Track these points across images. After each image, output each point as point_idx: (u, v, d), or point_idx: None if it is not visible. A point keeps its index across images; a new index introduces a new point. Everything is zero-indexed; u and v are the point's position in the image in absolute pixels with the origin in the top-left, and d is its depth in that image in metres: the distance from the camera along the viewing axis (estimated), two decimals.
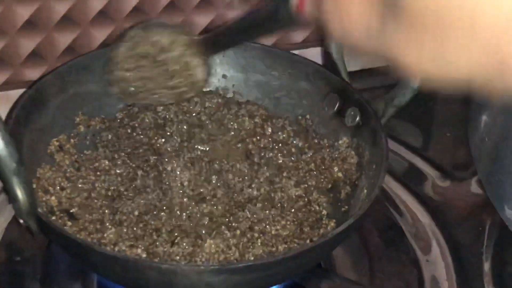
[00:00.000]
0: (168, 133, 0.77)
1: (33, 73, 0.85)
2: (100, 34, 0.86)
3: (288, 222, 0.69)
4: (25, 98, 0.70)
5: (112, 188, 0.71)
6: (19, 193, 0.58)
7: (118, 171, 0.73)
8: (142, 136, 0.76)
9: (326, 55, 0.80)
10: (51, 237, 0.65)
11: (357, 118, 0.75)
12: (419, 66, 0.40)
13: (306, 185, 0.74)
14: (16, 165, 0.58)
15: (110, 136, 0.76)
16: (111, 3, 0.84)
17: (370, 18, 0.42)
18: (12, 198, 0.59)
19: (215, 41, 0.70)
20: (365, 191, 0.70)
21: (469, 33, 0.36)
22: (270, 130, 0.79)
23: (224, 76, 0.82)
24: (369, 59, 0.76)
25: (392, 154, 0.87)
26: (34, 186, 0.68)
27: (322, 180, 0.74)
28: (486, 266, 0.76)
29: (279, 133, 0.78)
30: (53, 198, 0.69)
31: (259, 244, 0.66)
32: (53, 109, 0.73)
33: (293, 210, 0.71)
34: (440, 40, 0.37)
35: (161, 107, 0.78)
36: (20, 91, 0.75)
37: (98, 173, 0.72)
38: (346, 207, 0.72)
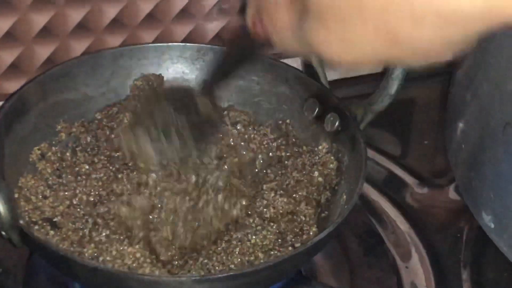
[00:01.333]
0: None
1: (12, 86, 0.84)
2: (79, 46, 0.86)
3: (269, 233, 0.68)
4: (6, 108, 0.70)
5: (93, 193, 0.70)
6: (1, 206, 0.58)
7: (98, 175, 0.72)
8: None
9: (306, 63, 0.81)
10: (34, 249, 0.65)
11: (336, 124, 0.75)
12: (334, 53, 0.44)
13: (295, 196, 0.73)
14: None
15: (88, 139, 0.75)
16: (90, 15, 0.84)
17: (291, 21, 0.46)
18: None
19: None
20: (344, 196, 0.70)
21: (360, 17, 0.40)
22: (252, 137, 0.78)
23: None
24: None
25: (371, 162, 0.87)
26: (16, 195, 0.68)
27: (312, 191, 0.73)
28: (465, 272, 0.76)
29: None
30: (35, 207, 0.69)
31: (237, 253, 0.66)
32: (34, 117, 0.73)
33: (278, 220, 0.70)
34: (341, 27, 0.42)
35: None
36: None
37: (79, 177, 0.71)
38: (326, 212, 0.71)
